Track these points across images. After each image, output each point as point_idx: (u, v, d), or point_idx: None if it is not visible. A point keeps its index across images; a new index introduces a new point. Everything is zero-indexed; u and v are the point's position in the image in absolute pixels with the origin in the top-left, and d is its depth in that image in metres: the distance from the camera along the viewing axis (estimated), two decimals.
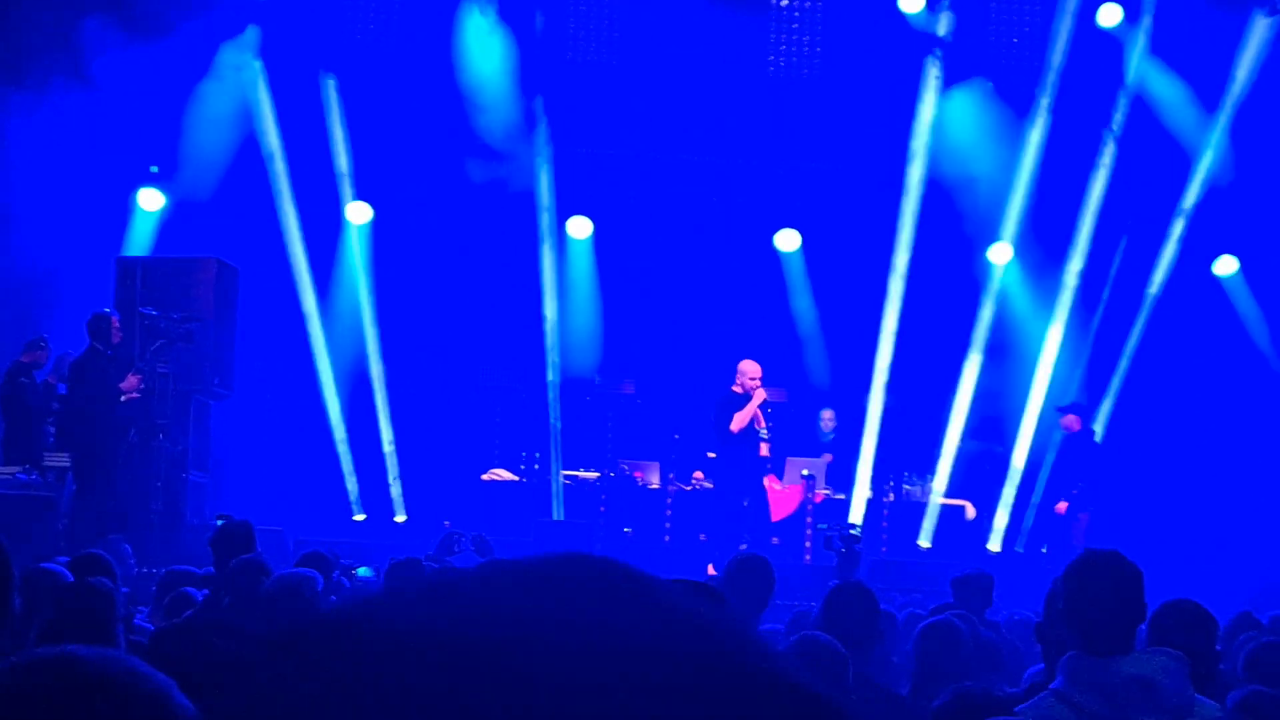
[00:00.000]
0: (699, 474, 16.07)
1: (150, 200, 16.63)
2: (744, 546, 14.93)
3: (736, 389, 14.92)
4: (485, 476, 16.38)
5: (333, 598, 6.66)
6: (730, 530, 14.80)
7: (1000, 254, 17.15)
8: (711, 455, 15.45)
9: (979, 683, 4.99)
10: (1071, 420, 15.64)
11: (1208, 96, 16.66)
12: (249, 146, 16.60)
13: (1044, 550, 15.69)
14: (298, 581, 6.09)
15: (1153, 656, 4.48)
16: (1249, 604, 8.92)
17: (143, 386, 12.66)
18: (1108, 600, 4.51)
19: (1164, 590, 5.16)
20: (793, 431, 16.72)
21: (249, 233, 16.18)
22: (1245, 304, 17.52)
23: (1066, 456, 15.88)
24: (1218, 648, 5.45)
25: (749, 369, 15.00)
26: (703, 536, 15.36)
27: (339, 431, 16.80)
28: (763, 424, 14.60)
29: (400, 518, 16.55)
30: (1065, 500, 15.60)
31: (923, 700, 5.59)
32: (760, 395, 14.64)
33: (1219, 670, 7.76)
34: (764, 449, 14.88)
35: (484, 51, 16.95)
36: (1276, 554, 15.53)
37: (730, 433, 14.45)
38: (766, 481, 15.96)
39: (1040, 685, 4.91)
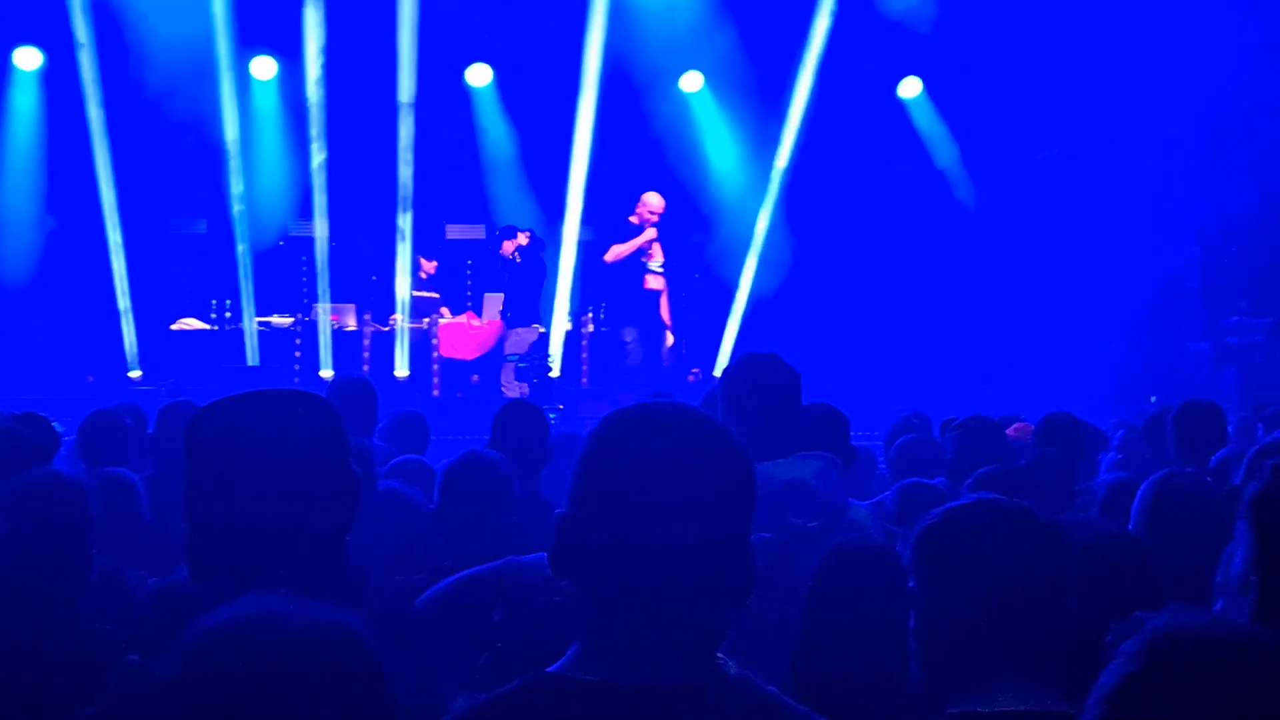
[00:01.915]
0: (396, 315, 15.90)
1: None
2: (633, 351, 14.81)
3: (633, 219, 14.71)
4: (175, 326, 15.94)
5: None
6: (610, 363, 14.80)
7: (690, 83, 17.24)
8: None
9: None
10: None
11: None
12: None
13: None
14: None
15: (806, 460, 4.56)
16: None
17: None
18: (766, 402, 4.56)
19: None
20: (488, 266, 16.62)
21: None
22: (930, 125, 18.00)
23: None
24: (853, 445, 5.60)
25: (650, 201, 14.74)
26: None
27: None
28: (654, 256, 14.49)
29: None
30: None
31: None
32: (649, 234, 14.46)
33: (878, 470, 8.10)
34: (650, 281, 14.75)
35: None
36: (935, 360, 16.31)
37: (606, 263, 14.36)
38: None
39: None
